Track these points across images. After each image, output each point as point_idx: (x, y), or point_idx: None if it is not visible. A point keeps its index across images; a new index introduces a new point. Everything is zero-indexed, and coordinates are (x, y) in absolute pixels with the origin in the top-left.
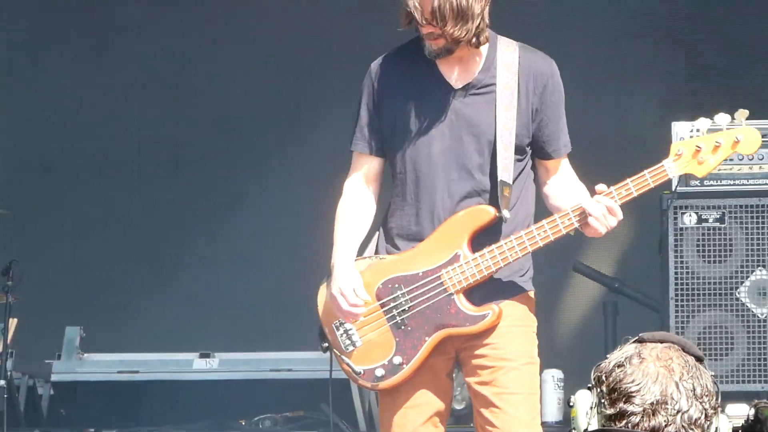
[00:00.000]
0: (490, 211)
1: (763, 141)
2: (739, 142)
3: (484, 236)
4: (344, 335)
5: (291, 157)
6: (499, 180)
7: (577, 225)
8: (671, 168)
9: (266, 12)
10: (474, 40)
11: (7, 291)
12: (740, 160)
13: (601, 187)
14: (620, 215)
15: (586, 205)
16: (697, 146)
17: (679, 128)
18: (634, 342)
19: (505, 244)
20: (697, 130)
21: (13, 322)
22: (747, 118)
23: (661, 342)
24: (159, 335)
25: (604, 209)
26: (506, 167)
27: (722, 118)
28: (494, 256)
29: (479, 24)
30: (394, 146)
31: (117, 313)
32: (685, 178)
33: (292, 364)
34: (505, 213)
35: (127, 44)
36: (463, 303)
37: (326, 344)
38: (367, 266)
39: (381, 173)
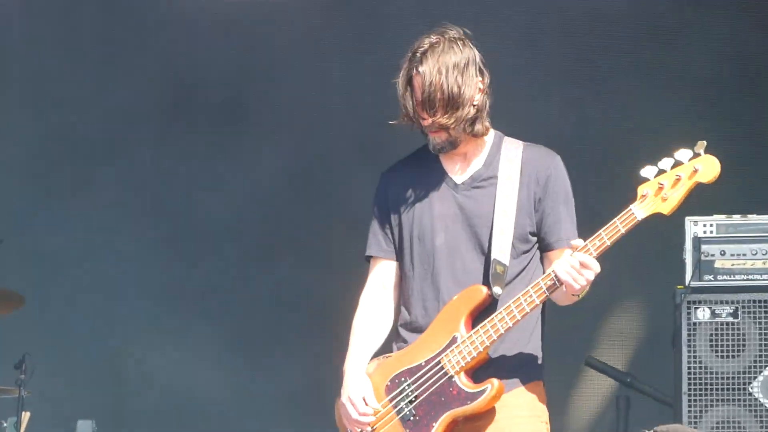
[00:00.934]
0: (482, 290)
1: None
2: (697, 171)
3: (483, 317)
4: None
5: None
6: (492, 259)
7: (558, 283)
8: (638, 211)
9: None
10: (469, 128)
11: (20, 385)
12: (753, 255)
13: (576, 242)
14: (596, 267)
15: (556, 265)
16: (659, 184)
17: (645, 171)
18: None
19: (496, 316)
20: (662, 170)
21: (26, 416)
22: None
23: None
24: (171, 429)
25: (575, 263)
26: (501, 248)
27: (683, 153)
28: (486, 330)
29: (471, 111)
30: (403, 245)
31: (130, 406)
32: (699, 273)
33: None
34: (497, 290)
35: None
36: (463, 382)
37: None
38: (375, 367)
39: (396, 277)
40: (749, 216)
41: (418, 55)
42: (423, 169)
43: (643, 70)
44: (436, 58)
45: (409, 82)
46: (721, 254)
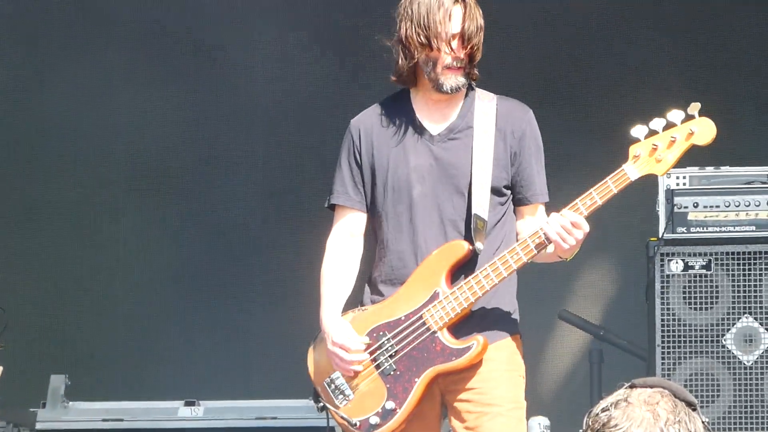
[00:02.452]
0: (464, 245)
1: (751, 187)
2: (693, 133)
3: (463, 271)
4: (336, 390)
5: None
6: (473, 214)
7: (546, 241)
8: (631, 171)
9: None
10: (475, 71)
11: None
12: (727, 207)
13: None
14: (585, 227)
15: (544, 223)
16: (653, 145)
17: (636, 131)
18: (625, 387)
19: (480, 272)
20: (653, 131)
21: None
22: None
23: (652, 387)
24: (144, 383)
25: (565, 222)
26: (480, 203)
27: (675, 114)
28: (471, 287)
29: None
30: (376, 197)
31: (102, 361)
32: (672, 225)
33: (278, 412)
34: (479, 245)
35: None
36: (447, 338)
37: (321, 404)
38: (351, 319)
39: (363, 228)
40: (722, 168)
41: None
42: (396, 119)
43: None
44: None
45: (447, 14)
46: (694, 206)
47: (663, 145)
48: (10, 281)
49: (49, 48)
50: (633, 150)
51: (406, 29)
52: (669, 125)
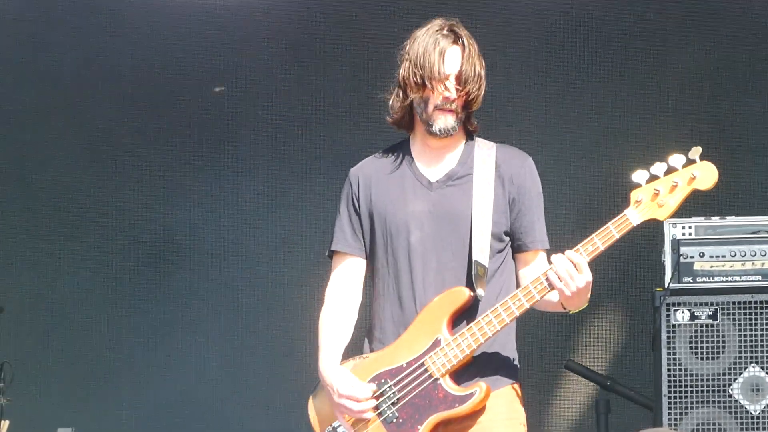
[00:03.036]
0: (465, 292)
1: (757, 237)
2: (695, 178)
3: (464, 318)
4: None
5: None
6: (473, 260)
7: (549, 287)
8: (633, 216)
9: None
10: (473, 119)
11: None
12: (732, 257)
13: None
14: (588, 272)
15: (550, 274)
16: (655, 190)
17: (637, 176)
18: None
19: (483, 319)
20: (654, 175)
21: (4, 425)
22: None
23: None
24: None
25: (568, 265)
26: (481, 249)
27: (676, 158)
28: (473, 333)
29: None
30: (375, 243)
31: (108, 414)
32: (678, 275)
33: None
34: (480, 291)
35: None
36: (449, 385)
37: None
38: (352, 368)
39: (362, 275)
40: (728, 218)
41: (447, 31)
42: (395, 167)
43: (624, 70)
44: (467, 35)
45: (442, 53)
46: (700, 256)
47: (665, 190)
48: (16, 335)
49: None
50: (634, 195)
51: (404, 69)
52: (670, 170)
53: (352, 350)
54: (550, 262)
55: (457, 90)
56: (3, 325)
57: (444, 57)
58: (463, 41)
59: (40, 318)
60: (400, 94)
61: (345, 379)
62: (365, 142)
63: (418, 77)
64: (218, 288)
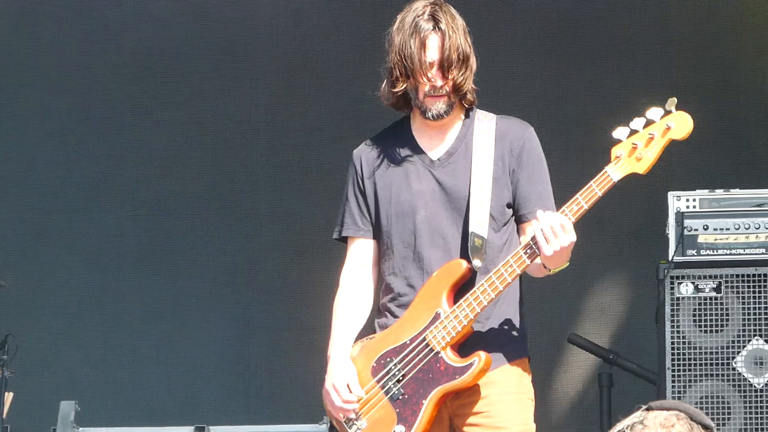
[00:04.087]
0: (462, 264)
1: (761, 209)
2: (670, 128)
3: (465, 291)
4: (350, 422)
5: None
6: (470, 232)
7: (537, 251)
8: (614, 172)
9: None
10: (469, 95)
11: (2, 365)
12: (737, 229)
13: (541, 213)
14: (572, 233)
15: (535, 228)
16: (633, 144)
17: (618, 132)
18: (642, 410)
19: (478, 288)
20: (634, 130)
21: (8, 397)
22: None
23: (668, 410)
24: (154, 409)
25: (554, 222)
26: (478, 221)
27: (654, 112)
28: (470, 303)
29: (472, 77)
30: (381, 223)
31: (112, 386)
32: (682, 247)
33: None
34: (476, 262)
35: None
36: (450, 357)
37: None
38: (359, 349)
39: (374, 256)
40: (732, 190)
41: (428, 16)
42: (397, 147)
43: (622, 43)
44: (448, 18)
45: (422, 42)
46: (704, 229)
47: (642, 143)
48: (19, 307)
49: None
50: (614, 151)
51: (391, 60)
52: (648, 123)
53: (369, 329)
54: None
55: (441, 78)
56: (6, 298)
57: (425, 46)
58: (441, 27)
59: (44, 290)
60: (391, 83)
61: (343, 373)
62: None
63: (401, 68)
64: (221, 263)
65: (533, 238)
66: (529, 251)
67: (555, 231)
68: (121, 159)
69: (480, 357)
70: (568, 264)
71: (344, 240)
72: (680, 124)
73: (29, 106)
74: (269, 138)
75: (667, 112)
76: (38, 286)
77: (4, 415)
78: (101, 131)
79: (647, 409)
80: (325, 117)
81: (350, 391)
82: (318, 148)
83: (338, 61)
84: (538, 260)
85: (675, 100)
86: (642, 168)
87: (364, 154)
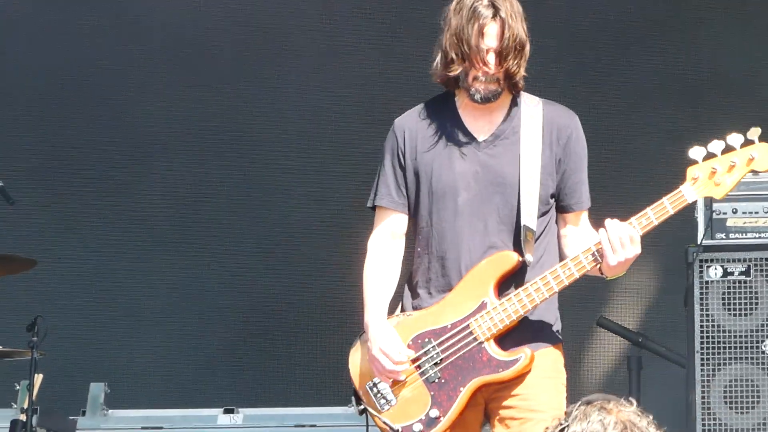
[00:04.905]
0: (513, 257)
1: None
2: (753, 159)
3: (510, 282)
4: (379, 395)
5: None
6: (522, 225)
7: (599, 259)
8: (689, 192)
9: None
10: (520, 83)
11: (32, 347)
12: (765, 213)
13: (610, 221)
14: (638, 246)
15: (602, 236)
16: (712, 168)
17: (694, 152)
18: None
19: (531, 285)
20: (711, 153)
21: (38, 378)
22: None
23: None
24: (184, 390)
25: (623, 234)
26: (529, 213)
27: (735, 138)
28: (521, 299)
29: (524, 65)
30: (420, 200)
31: (141, 368)
32: (711, 231)
33: (317, 419)
34: (528, 257)
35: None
36: (494, 350)
37: (362, 406)
38: (395, 324)
39: (405, 229)
40: (761, 174)
41: (487, 1)
42: (441, 123)
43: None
44: (507, 5)
45: (480, 29)
46: (732, 212)
47: (722, 168)
48: (50, 289)
49: None
50: (691, 172)
51: (445, 41)
52: (728, 149)
53: (393, 303)
54: (603, 227)
55: (496, 65)
56: (37, 279)
57: (483, 33)
58: (501, 15)
59: (74, 273)
60: (442, 63)
61: (388, 336)
62: None
63: (457, 52)
64: (250, 246)
65: (598, 245)
66: (591, 257)
67: (623, 242)
68: (152, 144)
69: (526, 353)
70: (624, 273)
71: (374, 208)
72: (764, 156)
73: (60, 94)
74: (299, 122)
75: (749, 141)
76: (68, 269)
77: (34, 397)
78: (132, 117)
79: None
80: (355, 99)
81: (400, 353)
82: (347, 132)
83: (366, 45)
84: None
85: (759, 130)
86: (719, 193)
87: (408, 126)
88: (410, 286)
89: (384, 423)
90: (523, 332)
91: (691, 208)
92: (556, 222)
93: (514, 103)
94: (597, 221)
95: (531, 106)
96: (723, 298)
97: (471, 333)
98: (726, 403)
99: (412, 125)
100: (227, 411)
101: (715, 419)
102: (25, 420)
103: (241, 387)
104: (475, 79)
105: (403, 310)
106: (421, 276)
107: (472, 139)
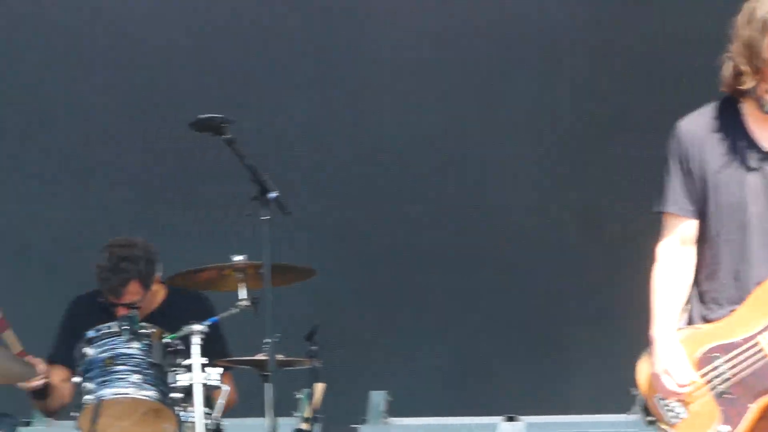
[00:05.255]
0: None
1: None
2: None
3: None
4: (667, 407)
5: None
6: None
7: None
8: None
9: None
10: None
11: (312, 356)
12: None
13: None
14: None
15: None
16: None
17: None
18: None
19: None
20: None
21: (319, 387)
22: None
23: None
24: (465, 397)
25: None
26: None
27: None
28: None
29: None
30: (707, 211)
31: (422, 376)
32: None
33: (600, 426)
34: None
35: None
36: None
37: (651, 418)
38: (684, 337)
39: (695, 235)
40: None
41: None
42: (727, 131)
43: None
44: None
45: None
46: None
47: None
48: (332, 299)
49: None
50: None
51: (736, 51)
52: None
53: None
54: None
55: None
56: (318, 290)
57: None
58: None
59: (352, 282)
60: (735, 76)
61: (674, 355)
62: None
63: (749, 64)
64: None
65: None
66: None
67: None
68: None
69: None
70: None
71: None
72: None
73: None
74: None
75: None
76: (348, 277)
77: (317, 407)
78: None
79: None
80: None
81: (684, 376)
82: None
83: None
84: None
85: None
86: None
87: (691, 131)
88: (700, 298)
89: None
90: None
91: None
92: None
93: None
94: None
95: None
96: None
97: (761, 350)
98: None
99: (697, 132)
100: (509, 419)
101: None
102: (308, 429)
103: (523, 393)
104: (767, 91)
105: (690, 320)
106: (709, 286)
107: (758, 149)
